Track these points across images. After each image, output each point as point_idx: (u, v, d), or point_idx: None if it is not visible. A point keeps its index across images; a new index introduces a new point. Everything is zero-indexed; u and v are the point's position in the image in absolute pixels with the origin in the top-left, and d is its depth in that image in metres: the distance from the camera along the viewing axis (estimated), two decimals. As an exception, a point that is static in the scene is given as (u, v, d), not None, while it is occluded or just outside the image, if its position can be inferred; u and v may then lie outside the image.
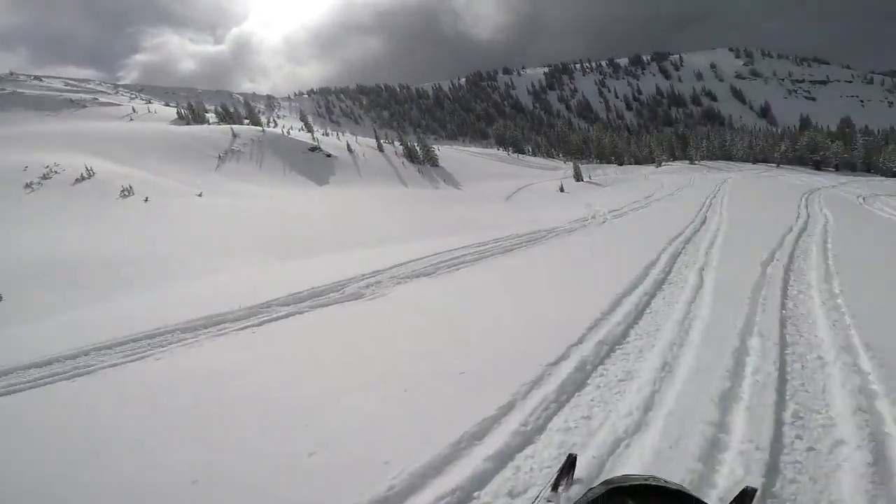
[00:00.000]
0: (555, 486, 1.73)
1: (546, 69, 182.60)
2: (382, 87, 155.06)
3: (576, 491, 1.77)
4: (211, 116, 68.40)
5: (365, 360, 3.74)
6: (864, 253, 6.93)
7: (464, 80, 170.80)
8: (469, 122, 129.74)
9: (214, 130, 53.10)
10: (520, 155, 72.13)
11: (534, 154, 76.85)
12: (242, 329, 4.77)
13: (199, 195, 29.05)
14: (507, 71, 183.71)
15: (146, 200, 25.55)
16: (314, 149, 50.56)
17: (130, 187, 27.18)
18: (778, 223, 10.36)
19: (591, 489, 0.97)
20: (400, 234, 15.13)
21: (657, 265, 6.24)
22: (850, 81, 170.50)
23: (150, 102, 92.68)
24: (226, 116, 66.57)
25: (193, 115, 65.98)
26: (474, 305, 5.14)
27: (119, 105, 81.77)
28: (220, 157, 46.05)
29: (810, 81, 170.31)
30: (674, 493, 0.89)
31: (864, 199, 19.57)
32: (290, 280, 6.63)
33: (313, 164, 47.98)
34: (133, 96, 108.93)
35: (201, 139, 48.70)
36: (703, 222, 11.14)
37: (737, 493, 1.30)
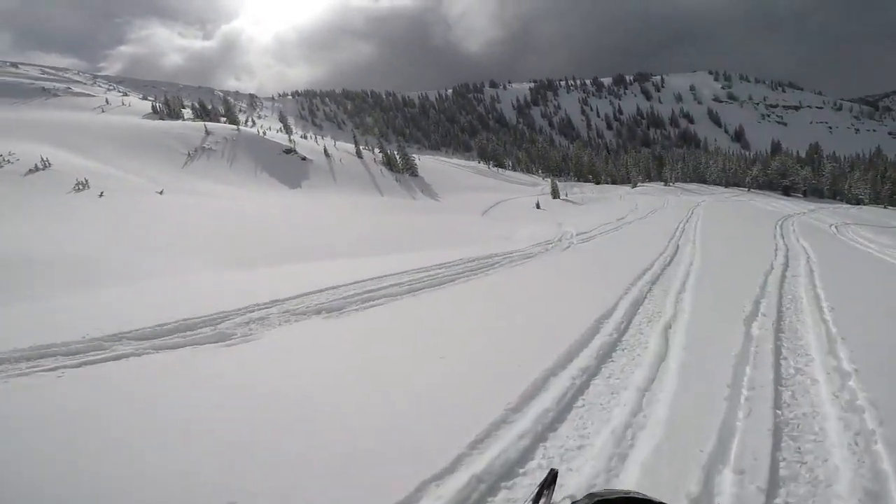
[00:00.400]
0: (535, 502, 1.52)
1: (531, 84, 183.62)
2: (368, 92, 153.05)
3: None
4: (187, 112, 65.77)
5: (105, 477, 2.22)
6: (862, 300, 5.71)
7: (451, 90, 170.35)
8: (453, 134, 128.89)
9: (187, 127, 51.01)
10: (500, 169, 71.50)
11: (514, 169, 76.33)
12: (54, 370, 3.44)
13: (160, 192, 27.23)
14: (493, 84, 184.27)
15: (101, 195, 23.64)
16: (289, 151, 48.90)
17: (86, 181, 25.21)
18: (756, 257, 9.26)
19: (575, 501, 0.95)
20: (355, 248, 13.63)
21: (612, 317, 4.91)
22: (821, 108, 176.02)
23: (125, 95, 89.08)
24: (202, 113, 64.00)
25: (169, 110, 63.29)
26: (342, 375, 3.66)
27: (93, 96, 78.19)
28: (189, 154, 44.16)
29: (783, 106, 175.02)
30: None
31: (836, 227, 18.91)
32: (202, 296, 5.81)
33: (287, 166, 46.41)
34: (110, 88, 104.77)
35: (173, 135, 46.64)
36: (675, 253, 9.97)
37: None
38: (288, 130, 66.73)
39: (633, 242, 13.09)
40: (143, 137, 43.79)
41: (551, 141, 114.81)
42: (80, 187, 24.66)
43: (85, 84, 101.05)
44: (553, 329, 4.45)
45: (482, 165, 71.32)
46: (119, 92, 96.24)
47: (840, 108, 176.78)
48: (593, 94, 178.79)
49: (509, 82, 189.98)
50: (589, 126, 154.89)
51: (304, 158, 48.25)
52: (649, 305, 5.50)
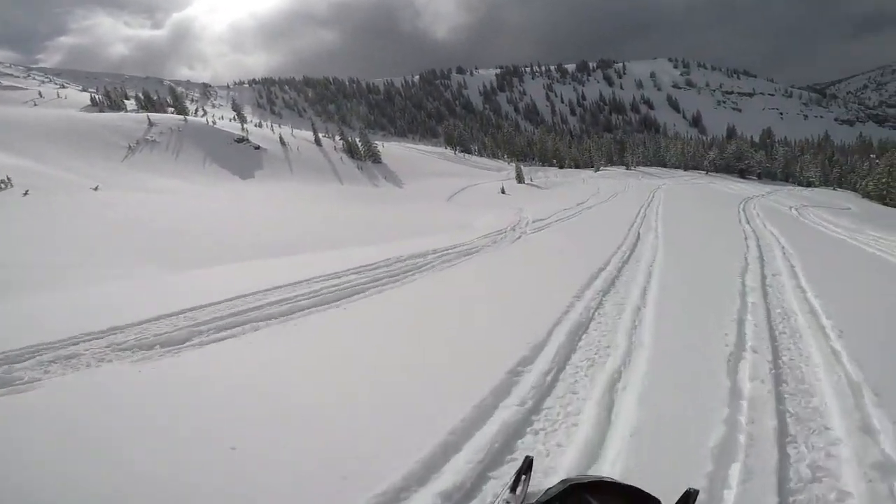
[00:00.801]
0: (513, 488, 1.61)
1: (498, 71, 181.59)
2: (331, 79, 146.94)
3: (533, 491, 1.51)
4: (130, 103, 60.81)
5: None
6: (866, 314, 4.29)
7: (417, 77, 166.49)
8: (420, 120, 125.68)
9: (127, 118, 47.14)
10: (466, 155, 69.87)
11: (480, 154, 74.91)
12: None
13: (96, 189, 24.70)
14: (460, 70, 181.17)
15: (25, 194, 20.84)
16: (241, 140, 45.89)
17: (9, 179, 22.22)
18: (726, 250, 7.92)
19: (549, 488, 0.93)
20: (290, 244, 11.64)
21: (536, 363, 3.23)
22: (773, 95, 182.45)
23: (62, 87, 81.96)
24: (147, 104, 59.21)
25: (110, 102, 58.27)
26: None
27: (24, 89, 71.38)
28: (130, 147, 40.88)
29: (738, 93, 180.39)
30: (629, 490, 0.88)
31: (797, 210, 18.17)
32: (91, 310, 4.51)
33: (239, 156, 43.56)
34: (45, 80, 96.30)
35: (112, 127, 43.00)
36: (636, 244, 8.54)
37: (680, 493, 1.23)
38: (242, 119, 62.72)
39: (591, 231, 11.70)
40: (79, 131, 40.15)
41: (517, 126, 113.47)
42: (2, 186, 21.78)
43: (16, 77, 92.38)
44: (436, 397, 2.77)
45: (448, 151, 69.47)
46: (55, 84, 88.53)
47: (790, 96, 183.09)
48: (558, 81, 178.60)
49: (476, 68, 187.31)
50: (553, 112, 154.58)
51: (257, 147, 45.43)
52: (595, 334, 3.88)
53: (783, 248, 8.02)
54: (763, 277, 5.76)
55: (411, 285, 6.09)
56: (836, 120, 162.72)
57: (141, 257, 10.22)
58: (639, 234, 9.94)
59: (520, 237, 10.58)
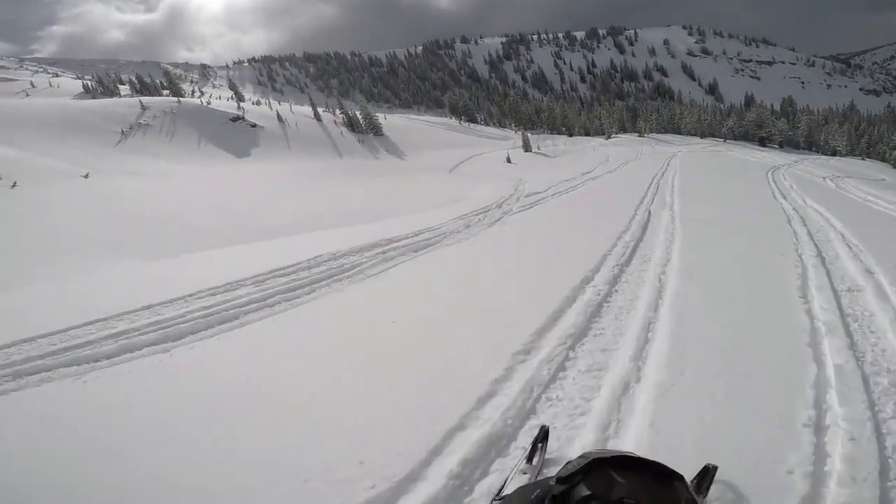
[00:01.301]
0: (529, 458, 1.61)
1: (504, 39, 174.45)
2: (332, 54, 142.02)
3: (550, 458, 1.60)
4: (124, 88, 58.81)
5: None
6: None
7: (420, 48, 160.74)
8: (424, 91, 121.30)
9: (120, 104, 45.91)
10: (471, 124, 67.17)
11: (486, 124, 72.02)
12: None
13: (86, 176, 23.43)
14: (464, 40, 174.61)
15: (13, 186, 19.83)
16: (237, 119, 44.45)
17: None
18: (766, 237, 6.01)
19: (569, 461, 0.91)
20: (265, 228, 10.15)
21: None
22: (794, 63, 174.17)
23: (55, 76, 79.82)
24: (142, 88, 57.16)
25: (103, 88, 56.26)
26: None
27: (16, 80, 69.48)
28: (123, 132, 39.85)
29: (757, 61, 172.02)
30: (651, 466, 0.84)
31: (833, 181, 15.88)
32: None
33: (234, 135, 42.37)
34: (39, 70, 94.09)
35: (104, 114, 41.86)
36: (645, 228, 6.69)
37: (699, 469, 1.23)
38: (239, 98, 60.42)
39: (591, 208, 9.75)
40: (72, 119, 38.68)
41: (525, 95, 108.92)
42: (-11, 178, 20.63)
43: (8, 69, 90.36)
44: None
45: (453, 121, 66.93)
46: (49, 74, 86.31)
47: (813, 65, 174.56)
48: (566, 48, 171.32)
49: (481, 37, 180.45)
50: (562, 79, 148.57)
51: (253, 126, 44.04)
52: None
53: (843, 236, 6.06)
54: (836, 295, 3.92)
55: (317, 303, 4.40)
56: (861, 90, 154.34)
57: (112, 249, 8.89)
58: (649, 213, 8.01)
59: (500, 219, 8.72)
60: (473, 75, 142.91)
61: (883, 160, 39.71)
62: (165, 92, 56.09)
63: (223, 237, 8.80)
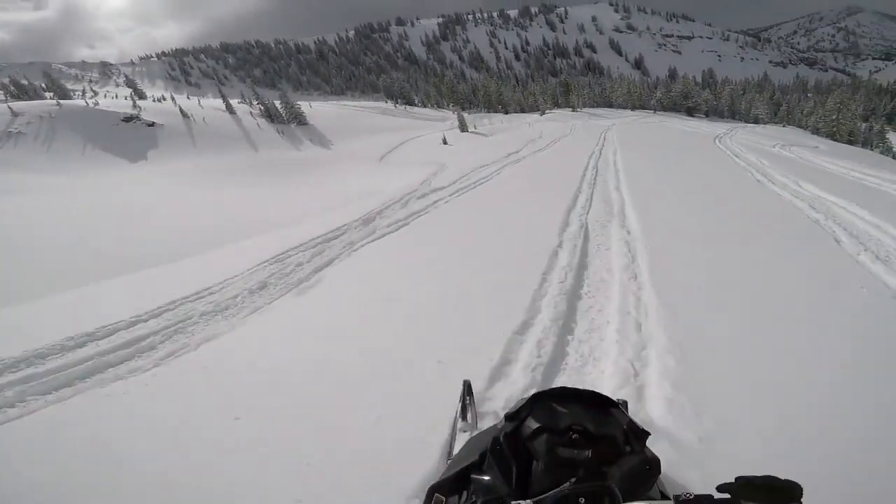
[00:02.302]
0: (463, 416, 1.66)
1: (440, 20, 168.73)
2: (253, 43, 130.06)
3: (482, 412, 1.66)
4: (-3, 95, 48.86)
5: None
6: None
7: (353, 32, 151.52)
8: (358, 76, 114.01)
9: (-21, 113, 37.36)
10: (408, 107, 62.99)
11: (424, 105, 68.08)
12: None
13: None
14: (400, 22, 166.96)
15: None
16: (130, 119, 37.72)
17: None
18: (770, 244, 3.23)
19: (517, 402, 0.95)
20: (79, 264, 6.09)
21: None
22: (711, 38, 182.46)
23: None
24: (18, 92, 47.54)
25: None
26: None
27: None
28: None
29: (678, 36, 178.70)
30: (588, 395, 0.91)
31: (788, 150, 13.91)
32: None
33: (128, 137, 36.05)
34: None
35: (-40, 126, 33.87)
36: (580, 255, 3.75)
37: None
38: (138, 95, 52.12)
39: (501, 212, 6.32)
40: None
41: (462, 75, 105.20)
42: None
43: None
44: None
45: (389, 105, 62.28)
46: None
47: (727, 39, 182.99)
48: (501, 27, 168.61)
49: (417, 19, 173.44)
50: (498, 58, 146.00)
51: (151, 125, 37.60)
52: None
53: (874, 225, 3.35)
54: None
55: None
56: (770, 62, 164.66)
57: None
58: (585, 230, 4.82)
59: (372, 233, 5.39)
60: (410, 57, 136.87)
61: (800, 126, 40.45)
62: (48, 94, 47.15)
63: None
